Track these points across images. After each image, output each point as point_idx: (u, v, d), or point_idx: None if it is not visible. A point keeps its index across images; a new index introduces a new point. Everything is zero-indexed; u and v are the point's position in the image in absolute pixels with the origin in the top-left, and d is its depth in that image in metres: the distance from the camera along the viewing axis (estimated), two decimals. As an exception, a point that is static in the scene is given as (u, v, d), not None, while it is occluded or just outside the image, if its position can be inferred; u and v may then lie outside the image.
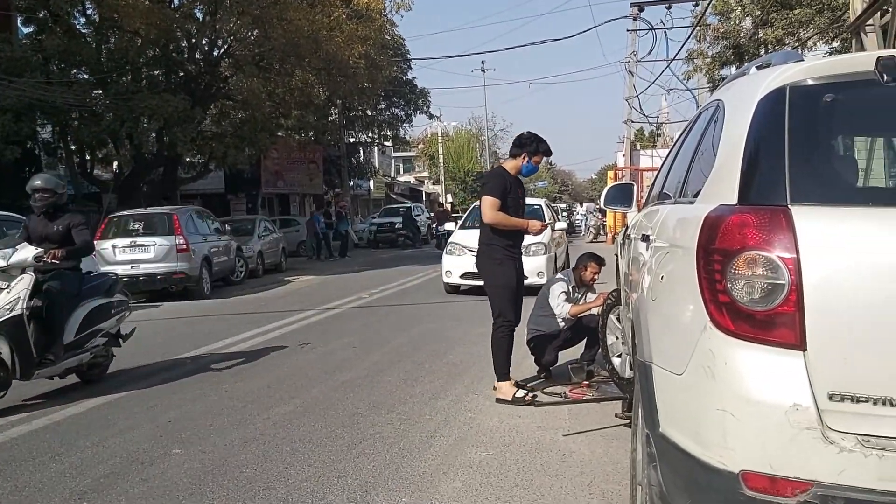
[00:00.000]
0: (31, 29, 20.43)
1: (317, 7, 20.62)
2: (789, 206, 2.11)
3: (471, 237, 12.34)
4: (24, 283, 5.90)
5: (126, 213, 16.02)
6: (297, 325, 10.22)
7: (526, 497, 3.85)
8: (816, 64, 2.42)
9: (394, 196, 51.59)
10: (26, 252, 5.97)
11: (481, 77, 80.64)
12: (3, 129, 16.42)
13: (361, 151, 42.83)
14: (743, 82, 2.80)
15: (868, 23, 9.86)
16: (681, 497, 2.27)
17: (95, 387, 6.73)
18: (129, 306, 7.28)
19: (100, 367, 7.02)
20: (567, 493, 3.88)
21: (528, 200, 7.04)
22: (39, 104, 17.60)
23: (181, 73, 22.01)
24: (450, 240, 13.85)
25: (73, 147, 22.04)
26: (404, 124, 39.61)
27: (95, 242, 14.44)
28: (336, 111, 33.66)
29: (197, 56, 22.22)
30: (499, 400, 5.67)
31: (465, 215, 15.71)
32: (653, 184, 4.91)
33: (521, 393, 5.67)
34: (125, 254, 14.41)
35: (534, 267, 11.16)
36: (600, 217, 32.36)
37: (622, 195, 5.14)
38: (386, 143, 44.99)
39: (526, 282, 6.15)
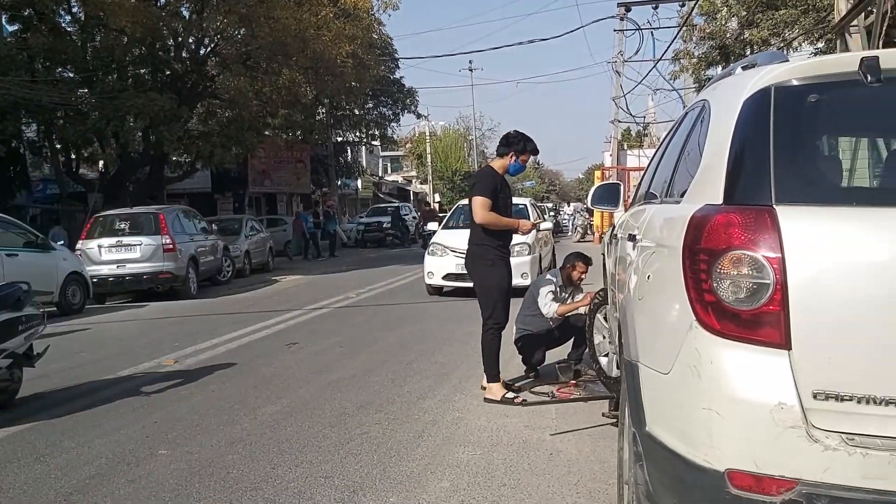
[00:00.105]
0: (15, 27, 20.32)
1: (304, 6, 20.58)
2: (774, 206, 2.12)
3: (453, 238, 12.18)
4: None
5: (112, 212, 15.94)
6: (284, 325, 10.19)
7: (513, 496, 3.85)
8: (801, 64, 2.44)
9: (381, 195, 51.53)
10: None
11: (469, 76, 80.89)
12: (-13, 127, 16.31)
13: (349, 151, 42.78)
14: (728, 82, 2.81)
15: (853, 24, 9.92)
16: (667, 495, 2.28)
17: (80, 387, 6.68)
18: (44, 321, 6.23)
19: (5, 394, 6.03)
20: (554, 493, 3.88)
21: (514, 200, 7.03)
22: (24, 103, 17.50)
23: (167, 72, 21.91)
24: (432, 240, 13.48)
25: (58, 146, 21.94)
26: (392, 124, 39.68)
27: (81, 242, 14.53)
28: (323, 110, 33.60)
29: (183, 55, 22.12)
30: (487, 399, 5.67)
31: (447, 215, 15.44)
32: (639, 183, 4.93)
33: (510, 394, 5.68)
34: (111, 253, 14.33)
35: (517, 268, 11.08)
36: (588, 217, 32.43)
37: (609, 195, 5.15)
38: (373, 143, 44.93)
39: None
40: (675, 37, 22.56)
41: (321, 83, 23.97)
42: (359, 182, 47.48)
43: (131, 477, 4.32)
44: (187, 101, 21.14)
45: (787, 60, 2.55)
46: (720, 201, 2.23)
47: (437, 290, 12.84)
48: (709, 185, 2.34)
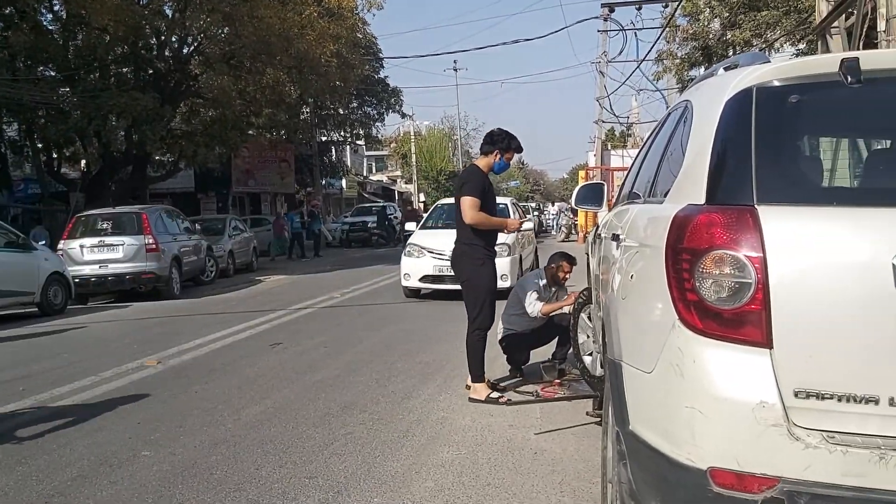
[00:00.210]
0: (-4, 25, 20.11)
1: (288, 5, 20.51)
2: (756, 205, 2.13)
3: (431, 238, 12.11)
4: None
5: (94, 212, 15.82)
6: (268, 325, 10.15)
7: (497, 496, 3.86)
8: (783, 65, 2.45)
9: (366, 195, 51.44)
10: None
11: (453, 76, 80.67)
12: (-32, 127, 16.16)
13: (333, 150, 42.65)
14: (711, 83, 2.83)
15: (833, 25, 10.01)
16: (650, 494, 2.29)
17: (62, 388, 6.62)
18: None
19: None
20: (538, 492, 3.89)
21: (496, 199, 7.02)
22: (5, 102, 17.36)
23: (150, 71, 21.77)
24: (409, 241, 13.07)
25: (39, 145, 21.76)
26: (377, 123, 39.58)
27: (63, 242, 14.41)
28: (308, 110, 33.48)
29: (166, 53, 21.99)
30: (472, 399, 5.67)
31: (426, 215, 15.11)
32: (623, 183, 4.95)
33: (495, 394, 5.69)
34: (93, 253, 14.22)
35: (496, 269, 10.89)
36: (572, 216, 32.52)
37: (593, 195, 5.17)
38: (358, 142, 44.83)
39: None
40: (659, 37, 22.69)
41: (305, 82, 23.90)
42: (343, 182, 47.36)
43: (113, 479, 4.29)
44: (170, 100, 21.02)
45: (769, 61, 2.57)
46: (702, 201, 2.25)
47: (414, 293, 12.53)
48: (691, 185, 2.36)
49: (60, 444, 4.98)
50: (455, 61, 59.85)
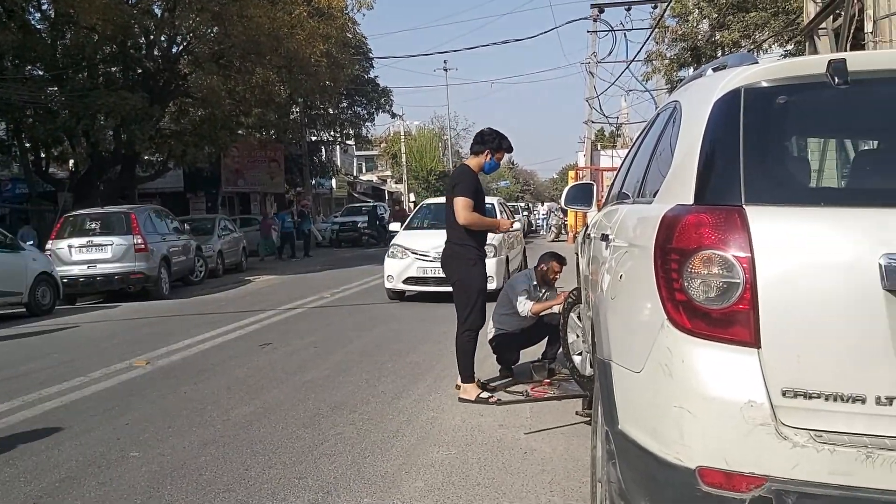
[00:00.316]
0: (-17, 24, 19.97)
1: (277, 4, 20.45)
2: (744, 206, 2.14)
3: (415, 239, 11.93)
4: None
5: (83, 212, 15.74)
6: (257, 326, 10.13)
7: (487, 495, 3.86)
8: (771, 66, 2.47)
9: (356, 195, 51.35)
10: None
11: (443, 76, 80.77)
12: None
13: (323, 150, 42.56)
14: (699, 84, 2.84)
15: (821, 26, 10.07)
16: (639, 493, 2.30)
17: (50, 389, 6.59)
18: None
19: None
20: (528, 491, 3.90)
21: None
22: (-7, 101, 17.22)
23: (139, 70, 21.68)
24: (392, 241, 12.63)
25: (27, 145, 21.60)
26: (366, 123, 39.49)
27: (51, 242, 14.34)
28: (297, 109, 33.40)
29: (155, 53, 21.90)
30: (462, 399, 5.67)
31: (411, 215, 14.68)
32: (612, 184, 4.96)
33: (484, 394, 5.69)
34: (82, 254, 14.15)
35: None
36: (562, 216, 32.57)
37: (583, 195, 5.18)
38: (348, 142, 44.75)
39: None
40: (648, 38, 22.77)
41: (295, 82, 23.83)
42: (333, 181, 47.25)
43: (102, 480, 4.27)
44: (159, 99, 20.92)
45: (757, 62, 2.58)
46: (691, 201, 2.26)
47: (397, 295, 12.22)
48: (680, 186, 2.37)
49: (48, 446, 4.95)
50: (445, 61, 59.65)
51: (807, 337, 2.04)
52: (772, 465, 1.98)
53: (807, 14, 10.61)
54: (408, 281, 11.78)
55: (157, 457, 4.65)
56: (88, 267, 14.06)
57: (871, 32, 8.05)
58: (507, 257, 12.34)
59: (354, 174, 59.74)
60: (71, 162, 23.85)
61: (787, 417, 2.01)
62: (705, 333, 2.11)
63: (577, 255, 5.75)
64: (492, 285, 9.76)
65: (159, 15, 20.59)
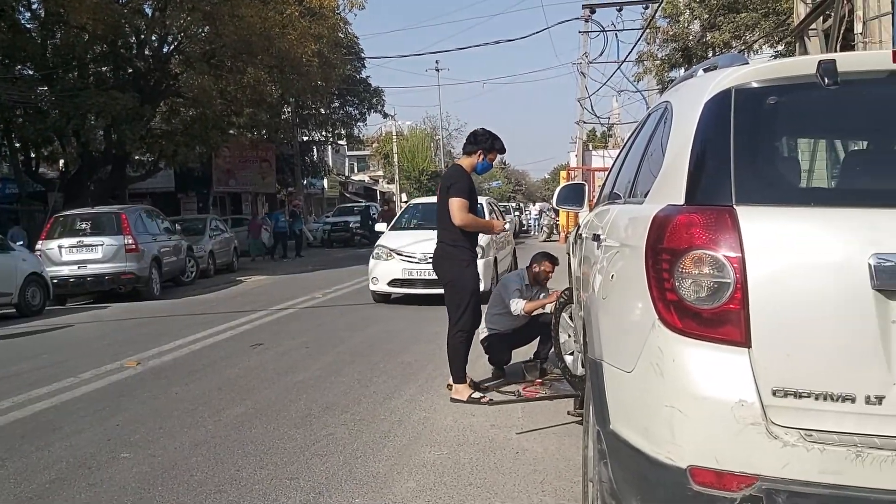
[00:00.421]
0: (-27, 23, 19.87)
1: (269, 4, 20.42)
2: (735, 206, 2.15)
3: (400, 240, 11.72)
4: None
5: (73, 212, 15.68)
6: (248, 326, 10.10)
7: (479, 495, 3.86)
8: (761, 67, 2.47)
9: (348, 195, 51.30)
10: None
11: (435, 76, 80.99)
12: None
13: (315, 150, 42.52)
14: (690, 84, 2.85)
15: (811, 27, 10.12)
16: (631, 493, 2.30)
17: (40, 390, 6.56)
18: None
19: None
20: (520, 491, 3.90)
21: None
22: (-18, 101, 17.15)
23: (130, 70, 21.61)
24: (377, 242, 12.23)
25: (17, 144, 21.53)
26: (358, 123, 39.48)
27: (41, 242, 14.27)
28: (289, 109, 33.35)
29: (146, 52, 21.84)
30: (454, 399, 5.67)
31: (397, 216, 14.38)
32: (604, 184, 4.97)
33: (476, 394, 5.69)
34: (72, 254, 14.10)
35: None
36: (553, 216, 32.61)
37: (574, 195, 5.18)
38: (340, 142, 44.72)
39: None
40: (639, 39, 22.81)
41: (286, 82, 23.81)
42: (325, 181, 47.21)
43: (92, 481, 4.25)
44: (150, 99, 20.86)
45: (748, 63, 2.59)
46: (682, 202, 2.26)
47: (383, 298, 11.88)
48: (671, 186, 2.37)
49: (38, 447, 4.93)
50: (437, 61, 59.76)
51: (797, 336, 2.05)
52: (762, 464, 1.99)
53: (797, 15, 10.67)
54: (393, 283, 11.52)
55: (147, 458, 4.63)
56: (79, 267, 14.01)
57: (861, 33, 8.09)
58: (496, 258, 12.04)
59: (346, 174, 59.70)
60: (61, 162, 23.77)
61: (777, 417, 2.02)
62: (696, 333, 2.11)
63: (569, 255, 5.75)
64: (480, 287, 9.72)
65: (150, 14, 20.54)
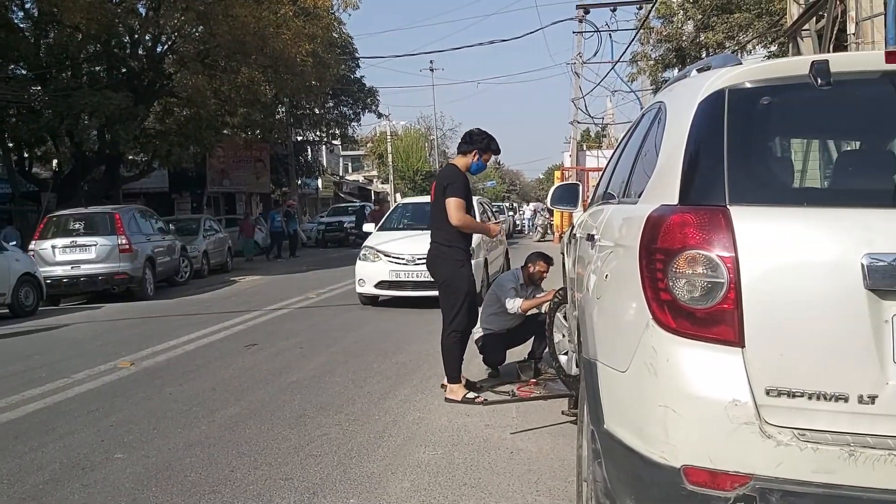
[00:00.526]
0: (-35, 23, 19.80)
1: (263, 4, 20.37)
2: (728, 206, 2.16)
3: (389, 241, 11.48)
4: None
5: (66, 212, 15.64)
6: (243, 326, 10.09)
7: (474, 495, 3.86)
8: (754, 67, 2.48)
9: (342, 195, 51.26)
10: None
11: (430, 76, 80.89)
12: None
13: (309, 150, 42.44)
14: (684, 85, 2.85)
15: (804, 28, 10.14)
16: (625, 492, 2.31)
17: (33, 391, 6.54)
18: None
19: None
20: (514, 491, 3.90)
21: None
22: (-25, 100, 17.09)
23: (123, 70, 21.55)
24: (364, 243, 11.97)
25: (10, 144, 21.46)
26: (353, 123, 39.43)
27: (34, 242, 14.22)
28: (283, 109, 33.28)
29: (140, 52, 21.78)
30: (448, 399, 5.68)
31: (385, 216, 14.13)
32: (598, 184, 4.98)
33: (471, 394, 5.69)
34: (65, 254, 14.06)
35: None
36: (548, 216, 32.62)
37: (568, 195, 5.19)
38: (334, 142, 44.64)
39: None
40: (633, 39, 22.90)
41: (281, 82, 23.77)
42: (319, 181, 47.16)
43: (86, 482, 4.24)
44: (144, 99, 20.81)
45: (741, 63, 2.60)
46: (676, 202, 2.27)
47: (370, 300, 11.61)
48: (665, 186, 2.38)
49: (32, 448, 4.91)
50: (431, 61, 59.90)
51: (790, 336, 2.05)
52: (756, 463, 2.00)
53: (790, 16, 10.69)
54: (380, 285, 11.24)
55: (141, 458, 4.62)
56: (72, 267, 13.97)
57: (854, 34, 8.11)
58: (486, 260, 11.68)
59: (340, 174, 59.66)
60: (54, 162, 23.69)
61: (770, 416, 2.02)
62: (690, 333, 2.12)
63: (563, 254, 5.77)
64: None
65: (144, 14, 20.48)
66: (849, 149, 3.04)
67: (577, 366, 4.36)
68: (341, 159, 62.39)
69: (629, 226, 2.53)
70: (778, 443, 1.99)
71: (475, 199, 14.23)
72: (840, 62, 2.33)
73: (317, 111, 35.69)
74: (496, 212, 23.33)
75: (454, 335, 5.70)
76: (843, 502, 1.95)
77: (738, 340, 2.07)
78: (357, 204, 39.70)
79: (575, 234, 4.55)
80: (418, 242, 10.55)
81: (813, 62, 2.27)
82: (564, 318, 5.64)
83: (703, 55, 17.46)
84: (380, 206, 35.24)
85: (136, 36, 21.15)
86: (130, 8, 19.83)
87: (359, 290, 11.50)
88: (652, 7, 20.46)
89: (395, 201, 48.54)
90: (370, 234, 12.82)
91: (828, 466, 1.95)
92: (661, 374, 2.15)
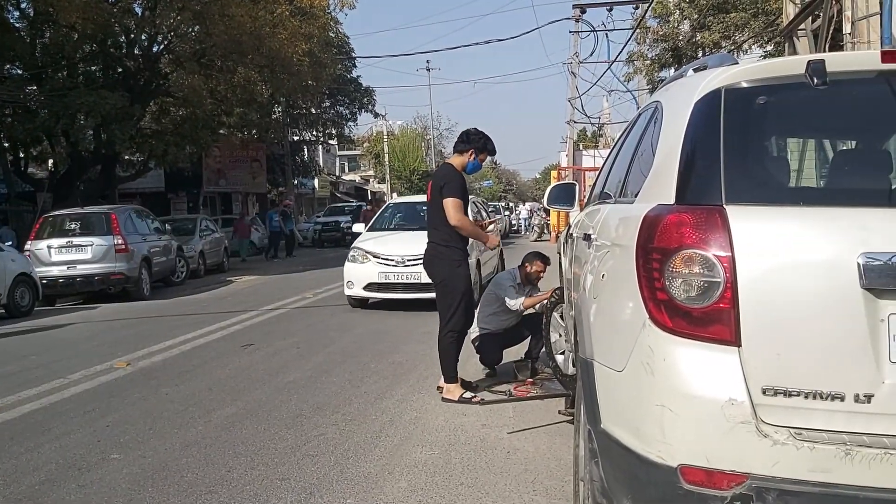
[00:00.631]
0: (-39, 22, 19.76)
1: (259, 3, 20.36)
2: (724, 205, 2.16)
3: (378, 242, 11.23)
4: None
5: (62, 212, 15.59)
6: (239, 326, 10.07)
7: (470, 495, 3.86)
8: (750, 67, 2.48)
9: (339, 195, 51.21)
10: None
11: (426, 76, 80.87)
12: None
13: (306, 150, 42.45)
14: (680, 84, 2.86)
15: (800, 27, 10.17)
16: (622, 492, 2.31)
17: (29, 391, 6.52)
18: None
19: None
20: (511, 491, 3.90)
21: None
22: (-30, 100, 17.06)
23: (119, 69, 21.54)
24: (353, 244, 11.63)
25: (6, 144, 21.42)
26: (349, 123, 39.44)
27: (30, 243, 14.20)
28: (280, 109, 33.29)
29: (136, 52, 21.76)
30: (445, 399, 5.67)
31: (375, 216, 13.75)
32: (594, 183, 4.98)
33: (468, 394, 5.69)
34: (61, 254, 14.02)
35: None
36: (544, 216, 32.63)
37: (565, 194, 5.19)
38: (330, 142, 44.66)
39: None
40: (629, 39, 22.86)
41: (277, 82, 23.75)
42: (315, 181, 47.11)
43: (82, 482, 4.23)
44: (140, 98, 20.79)
45: (737, 63, 2.60)
46: (672, 201, 2.27)
47: (360, 303, 11.29)
48: (661, 186, 2.38)
49: (27, 448, 4.90)
50: (428, 61, 59.90)
51: (787, 335, 2.06)
52: (752, 462, 2.00)
53: (786, 15, 10.72)
54: (369, 287, 10.91)
55: (138, 458, 4.61)
56: (68, 268, 13.93)
57: (850, 33, 8.13)
58: (479, 260, 11.10)
59: (337, 174, 59.59)
60: (50, 162, 23.68)
61: (767, 415, 2.03)
62: (687, 332, 2.12)
63: (560, 254, 5.76)
64: None
65: (140, 13, 20.47)
66: (845, 148, 3.05)
67: (573, 365, 4.36)
68: (338, 159, 62.34)
69: (626, 225, 2.53)
70: (774, 442, 2.00)
71: (469, 198, 14.17)
72: (836, 62, 2.33)
73: (313, 111, 35.70)
74: (492, 212, 23.29)
75: (451, 335, 5.70)
76: (839, 501, 1.95)
77: (734, 340, 2.07)
78: (354, 204, 39.67)
79: (571, 234, 4.55)
80: (409, 243, 10.51)
81: (809, 62, 2.28)
82: (561, 317, 5.64)
83: (700, 55, 17.47)
84: (373, 206, 35.22)
85: (133, 36, 21.14)
86: (126, 7, 19.83)
87: (347, 292, 11.22)
88: (648, 7, 20.48)
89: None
90: (356, 234, 12.59)
91: (824, 465, 1.96)
92: (657, 373, 2.15)
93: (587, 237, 3.40)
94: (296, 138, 39.09)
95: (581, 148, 37.29)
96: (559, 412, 5.17)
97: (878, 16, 7.79)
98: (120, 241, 14.14)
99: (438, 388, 5.87)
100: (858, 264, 2.00)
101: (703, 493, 2.03)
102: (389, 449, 4.65)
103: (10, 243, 15.58)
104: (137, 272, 14.46)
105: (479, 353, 6.50)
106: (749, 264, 2.08)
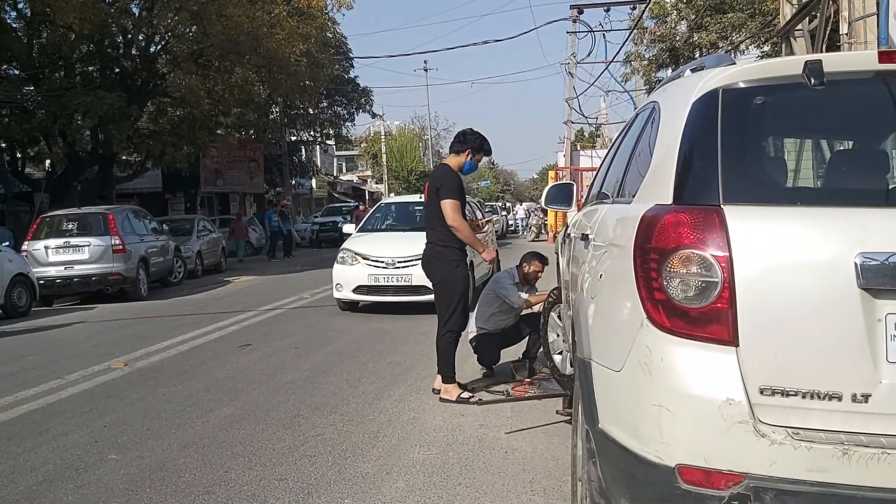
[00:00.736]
0: (-42, 22, 19.72)
1: (257, 4, 20.34)
2: (722, 205, 2.16)
3: (368, 243, 10.97)
4: None
5: (59, 212, 15.58)
6: (237, 326, 10.07)
7: (468, 495, 3.86)
8: (748, 67, 2.49)
9: (336, 195, 51.21)
10: None
11: (424, 76, 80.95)
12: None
13: (303, 150, 42.42)
14: (677, 85, 2.86)
15: (797, 28, 10.18)
16: (619, 492, 2.31)
17: (26, 392, 6.52)
18: None
19: None
20: (509, 490, 3.90)
21: None
22: (-33, 100, 17.03)
23: (117, 70, 21.50)
24: (343, 245, 11.33)
25: (3, 145, 21.37)
26: (347, 123, 39.40)
27: (27, 243, 14.18)
28: (277, 109, 33.27)
29: (133, 52, 21.73)
30: (443, 399, 5.67)
31: (366, 216, 13.47)
32: (592, 184, 4.98)
33: (465, 394, 5.69)
34: (58, 255, 14.01)
35: None
36: (542, 216, 32.65)
37: (563, 195, 5.20)
38: (328, 142, 44.63)
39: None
40: (627, 39, 22.88)
41: (275, 82, 23.71)
42: (313, 182, 47.11)
43: (80, 483, 4.23)
44: (137, 99, 20.76)
45: (734, 63, 2.60)
46: (670, 201, 2.27)
47: (350, 306, 11.03)
48: (659, 186, 2.38)
49: (25, 449, 4.90)
50: (425, 61, 59.87)
51: (784, 335, 2.06)
52: (750, 462, 2.00)
53: (783, 16, 10.73)
54: (359, 290, 10.61)
55: (135, 459, 4.61)
56: (65, 268, 13.92)
57: (847, 34, 8.14)
58: (472, 262, 10.54)
59: (335, 174, 59.61)
60: (47, 162, 23.62)
61: (764, 415, 2.03)
62: (684, 332, 2.12)
63: (558, 254, 5.76)
64: None
65: (137, 14, 20.43)
66: (842, 148, 3.06)
67: (571, 365, 4.36)
68: (335, 159, 62.34)
69: (623, 225, 2.53)
70: (772, 441, 2.00)
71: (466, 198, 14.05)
72: (833, 62, 2.34)
73: (311, 111, 35.70)
74: (488, 212, 23.26)
75: (449, 335, 5.70)
76: (836, 501, 1.95)
77: (732, 339, 2.07)
78: (351, 204, 39.69)
79: (569, 234, 4.55)
80: (400, 244, 10.44)
81: (806, 62, 2.28)
82: (559, 317, 5.64)
83: (697, 55, 17.50)
84: (366, 207, 35.17)
85: (130, 36, 21.10)
86: (124, 8, 19.78)
87: (336, 295, 10.94)
88: (646, 7, 20.50)
89: (389, 202, 48.43)
90: (347, 234, 12.37)
91: (821, 465, 1.96)
92: (655, 373, 2.15)
93: (585, 237, 3.41)
94: (293, 138, 39.06)
95: (578, 148, 37.37)
96: (557, 412, 5.17)
97: (875, 16, 7.79)
98: (117, 242, 14.13)
99: (434, 389, 5.86)
100: (856, 264, 2.01)
101: (701, 492, 2.04)
102: (387, 449, 4.65)
103: (7, 244, 15.54)
104: (135, 272, 14.45)
105: (476, 353, 6.50)
106: (746, 264, 2.08)
